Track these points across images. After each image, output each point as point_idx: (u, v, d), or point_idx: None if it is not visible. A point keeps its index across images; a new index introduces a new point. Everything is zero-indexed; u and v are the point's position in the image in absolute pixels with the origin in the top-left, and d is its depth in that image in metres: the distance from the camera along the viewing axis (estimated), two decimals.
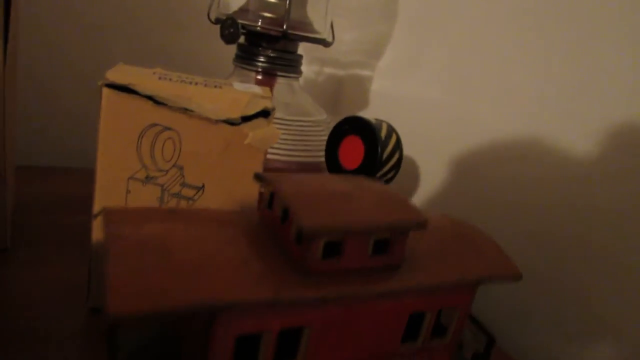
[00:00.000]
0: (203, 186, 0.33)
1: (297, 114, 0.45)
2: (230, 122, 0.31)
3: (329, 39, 0.45)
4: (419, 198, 0.55)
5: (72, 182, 0.51)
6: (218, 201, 0.33)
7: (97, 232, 0.32)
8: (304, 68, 0.46)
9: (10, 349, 0.28)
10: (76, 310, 0.33)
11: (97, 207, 0.32)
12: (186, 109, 0.31)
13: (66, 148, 0.55)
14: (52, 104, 0.54)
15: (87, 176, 0.39)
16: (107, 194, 0.31)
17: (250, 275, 0.20)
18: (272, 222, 0.23)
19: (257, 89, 0.35)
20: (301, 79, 0.46)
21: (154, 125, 0.31)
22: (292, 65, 0.43)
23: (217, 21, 0.40)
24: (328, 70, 0.64)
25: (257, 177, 0.24)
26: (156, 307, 0.17)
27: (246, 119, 0.32)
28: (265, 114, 0.32)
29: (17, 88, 0.43)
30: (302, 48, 0.43)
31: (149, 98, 0.30)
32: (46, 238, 0.41)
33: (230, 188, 0.33)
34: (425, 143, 0.53)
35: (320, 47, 0.44)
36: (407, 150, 0.52)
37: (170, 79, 0.32)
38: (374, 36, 0.61)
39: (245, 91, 0.33)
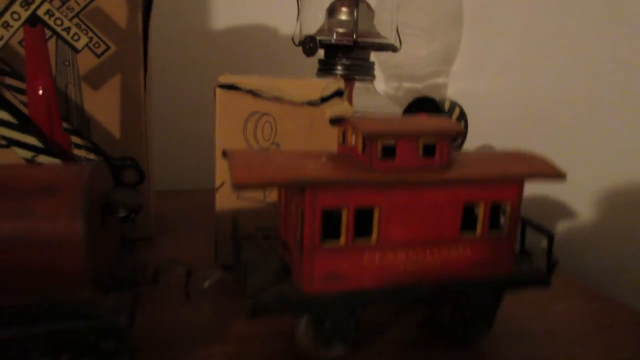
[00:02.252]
0: None
1: (376, 109, 0.52)
2: (312, 103, 0.40)
3: (397, 45, 0.53)
4: None
5: (198, 196, 0.61)
6: None
7: (220, 202, 0.41)
8: (383, 86, 0.53)
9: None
10: (211, 266, 0.41)
11: (217, 181, 0.41)
12: (277, 97, 0.39)
13: (184, 171, 0.67)
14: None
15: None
16: (223, 170, 0.40)
17: (330, 168, 0.27)
18: (346, 151, 0.30)
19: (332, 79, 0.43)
20: (382, 95, 0.54)
21: (255, 112, 0.40)
22: (365, 70, 0.51)
23: (300, 43, 0.50)
24: (406, 84, 0.71)
25: (333, 120, 0.31)
26: (262, 180, 0.25)
27: (324, 99, 0.40)
28: (339, 94, 0.40)
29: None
30: (381, 68, 0.50)
31: (249, 92, 0.39)
32: (180, 230, 0.51)
33: None
34: (498, 129, 0.58)
35: (397, 64, 0.51)
36: (483, 138, 0.57)
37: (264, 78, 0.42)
38: (445, 46, 0.69)
39: (322, 79, 0.41)
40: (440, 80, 0.68)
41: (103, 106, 0.46)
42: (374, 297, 0.28)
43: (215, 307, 0.36)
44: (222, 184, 0.41)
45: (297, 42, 0.52)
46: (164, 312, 0.35)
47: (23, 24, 0.37)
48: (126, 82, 0.46)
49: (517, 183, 0.29)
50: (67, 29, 0.39)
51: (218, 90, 0.39)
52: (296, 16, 0.54)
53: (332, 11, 0.51)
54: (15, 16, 0.37)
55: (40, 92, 0.38)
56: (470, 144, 0.61)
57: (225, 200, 0.41)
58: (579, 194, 0.50)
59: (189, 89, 0.67)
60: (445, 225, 0.28)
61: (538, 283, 0.31)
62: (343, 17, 0.51)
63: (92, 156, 0.46)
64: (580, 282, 0.43)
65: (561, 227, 0.51)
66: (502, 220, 0.30)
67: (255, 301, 0.26)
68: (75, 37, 0.40)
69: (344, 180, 0.26)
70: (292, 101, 0.40)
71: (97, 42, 0.44)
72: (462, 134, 0.28)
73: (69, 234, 0.23)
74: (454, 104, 0.44)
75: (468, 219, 0.29)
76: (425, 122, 0.28)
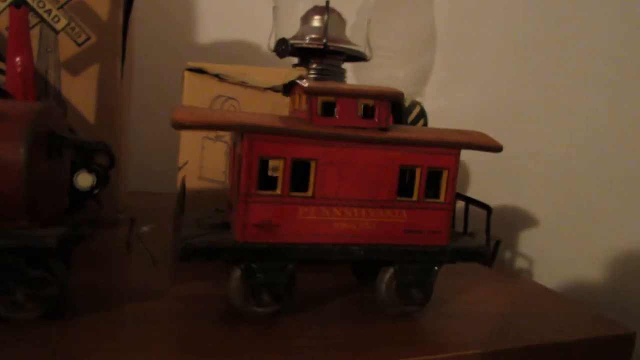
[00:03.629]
0: None
1: None
2: (275, 90, 0.41)
3: (367, 54, 0.55)
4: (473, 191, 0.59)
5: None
6: None
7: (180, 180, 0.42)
8: None
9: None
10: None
11: (181, 161, 0.42)
12: (242, 82, 0.41)
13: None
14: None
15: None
16: (187, 150, 0.42)
17: (272, 119, 0.28)
18: (294, 114, 0.31)
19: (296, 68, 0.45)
20: None
21: (220, 96, 0.42)
22: (337, 75, 0.53)
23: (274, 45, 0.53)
24: None
25: (287, 87, 0.33)
26: (201, 121, 0.26)
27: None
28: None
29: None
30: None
31: (216, 76, 0.41)
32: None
33: None
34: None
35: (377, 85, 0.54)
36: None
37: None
38: (420, 67, 0.72)
39: (285, 68, 0.43)
40: (417, 99, 0.70)
41: (80, 92, 0.47)
42: (307, 252, 0.28)
43: (167, 272, 0.36)
44: (185, 163, 0.42)
45: (271, 47, 0.54)
46: (113, 267, 0.35)
47: (9, 5, 0.39)
48: (103, 71, 0.48)
49: (454, 151, 0.30)
50: (49, 11, 0.42)
51: (186, 73, 0.41)
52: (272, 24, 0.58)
53: (305, 19, 0.54)
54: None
55: (19, 69, 0.40)
56: None
57: (187, 180, 0.42)
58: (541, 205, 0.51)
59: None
60: (382, 187, 0.29)
61: (477, 258, 0.32)
62: (315, 24, 0.53)
63: None
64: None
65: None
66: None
67: (186, 244, 0.27)
68: (56, 19, 0.42)
69: (281, 129, 0.27)
70: (256, 86, 0.41)
71: (78, 32, 0.46)
72: (402, 98, 0.29)
73: (11, 156, 0.24)
74: (414, 103, 0.46)
75: (406, 185, 0.30)
76: (366, 85, 0.30)
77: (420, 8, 0.71)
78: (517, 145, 0.54)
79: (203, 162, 0.42)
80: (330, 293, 0.35)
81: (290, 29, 0.56)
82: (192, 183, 0.42)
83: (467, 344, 0.29)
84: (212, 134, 0.42)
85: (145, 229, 0.29)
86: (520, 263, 0.52)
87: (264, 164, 0.28)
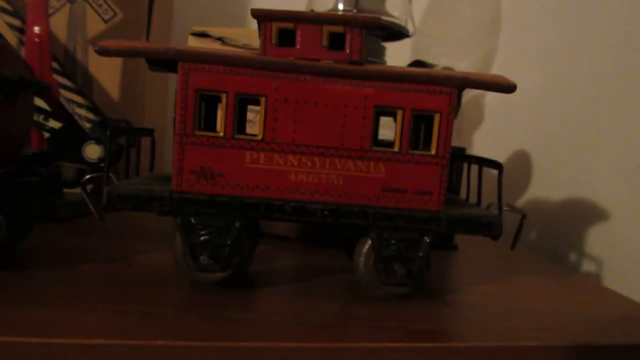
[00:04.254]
0: None
1: None
2: None
3: (409, 29, 0.49)
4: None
5: None
6: None
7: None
8: None
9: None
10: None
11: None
12: (245, 45, 0.38)
13: None
14: None
15: None
16: None
17: (215, 50, 0.24)
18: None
19: None
20: None
21: None
22: (373, 52, 0.48)
23: None
24: None
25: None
26: (125, 46, 0.23)
27: None
28: None
29: None
30: None
31: (219, 39, 0.38)
32: None
33: None
34: (535, 127, 0.50)
35: None
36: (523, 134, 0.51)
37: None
38: (486, 52, 0.63)
39: None
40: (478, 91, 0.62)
41: (106, 70, 0.47)
42: (255, 207, 0.23)
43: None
44: None
45: None
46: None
47: None
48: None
49: (447, 89, 0.24)
50: None
51: (190, 37, 0.39)
52: None
53: None
54: None
55: (37, 39, 0.41)
56: (504, 146, 0.54)
57: None
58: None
59: None
60: (352, 132, 0.24)
61: (481, 229, 0.24)
62: None
63: (91, 115, 0.47)
64: None
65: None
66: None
67: (111, 189, 0.23)
68: None
69: (221, 56, 0.23)
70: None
71: (106, 9, 0.47)
72: (378, 25, 0.24)
73: None
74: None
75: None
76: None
77: None
78: (589, 133, 0.44)
79: None
80: (313, 273, 0.29)
81: (327, 4, 0.52)
82: None
83: (453, 335, 0.22)
84: None
85: (88, 176, 0.26)
86: (588, 266, 0.42)
87: (203, 100, 0.23)
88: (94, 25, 0.47)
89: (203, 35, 0.39)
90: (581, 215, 0.43)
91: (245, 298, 0.24)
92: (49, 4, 0.45)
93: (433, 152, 0.24)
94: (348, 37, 0.24)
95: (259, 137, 0.23)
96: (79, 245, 0.31)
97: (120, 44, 0.23)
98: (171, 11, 0.54)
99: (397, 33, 0.50)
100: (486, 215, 0.24)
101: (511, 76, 0.24)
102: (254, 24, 0.25)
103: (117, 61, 0.47)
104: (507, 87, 0.24)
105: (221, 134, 0.23)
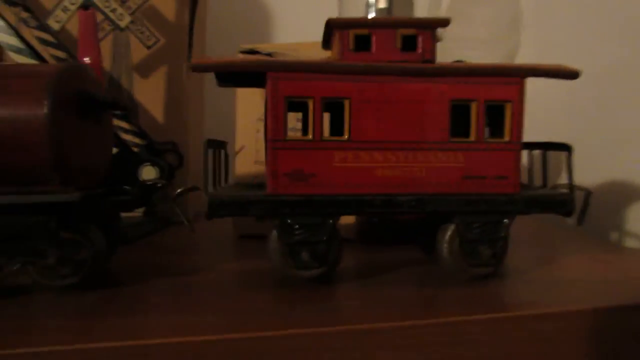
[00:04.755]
0: None
1: None
2: None
3: (439, 36, 0.51)
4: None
5: None
6: None
7: (239, 167, 0.41)
8: None
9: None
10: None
11: (237, 145, 0.41)
12: (295, 58, 0.40)
13: None
14: None
15: None
16: (243, 133, 0.41)
17: (298, 59, 0.26)
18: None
19: None
20: None
21: None
22: None
23: None
24: None
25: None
26: (219, 61, 0.25)
27: None
28: None
29: None
30: None
31: (268, 55, 0.40)
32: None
33: None
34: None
35: None
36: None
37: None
38: (506, 53, 0.65)
39: None
40: None
41: (149, 94, 0.49)
42: (348, 204, 0.25)
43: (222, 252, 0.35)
44: (241, 148, 0.41)
45: None
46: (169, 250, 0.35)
47: (78, 8, 0.42)
48: (171, 72, 0.49)
49: (516, 79, 0.25)
50: (114, 10, 0.44)
51: (239, 56, 0.41)
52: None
53: (369, 3, 0.52)
54: (73, 1, 0.43)
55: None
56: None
57: (244, 165, 0.41)
58: None
59: None
60: (431, 126, 0.25)
61: (558, 208, 0.26)
62: (381, 5, 0.51)
63: (138, 140, 0.49)
64: None
65: None
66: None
67: (213, 197, 0.25)
68: (120, 17, 0.44)
69: (306, 64, 0.25)
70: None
71: (148, 36, 0.49)
72: (447, 25, 0.26)
73: (34, 109, 0.24)
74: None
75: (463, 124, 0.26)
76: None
77: None
78: (620, 117, 0.46)
79: (258, 145, 0.41)
80: (392, 265, 0.31)
81: (355, 14, 0.54)
82: (248, 167, 0.41)
83: (543, 304, 0.23)
84: None
85: (179, 190, 0.27)
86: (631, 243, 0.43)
87: (292, 107, 0.25)
88: (137, 51, 0.49)
89: (252, 52, 0.41)
90: (623, 195, 0.45)
91: (337, 290, 0.26)
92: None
93: (507, 138, 0.26)
94: (420, 38, 0.26)
95: (346, 137, 0.25)
96: (155, 261, 0.33)
97: (214, 60, 0.24)
98: (205, 32, 0.57)
99: None
100: (559, 194, 0.26)
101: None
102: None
103: (160, 85, 0.49)
104: (571, 74, 0.25)
105: (310, 137, 0.25)
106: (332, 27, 0.26)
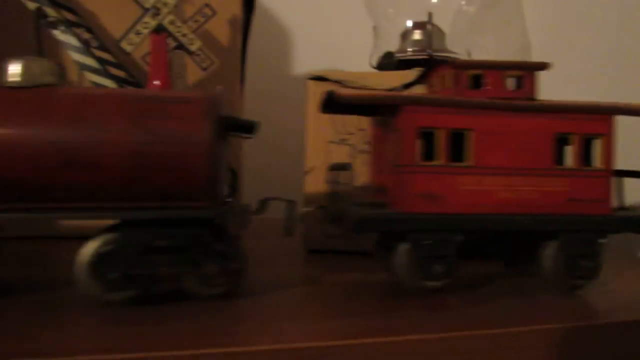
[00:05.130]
0: None
1: None
2: (396, 90, 0.43)
3: None
4: None
5: None
6: None
7: (308, 186, 0.43)
8: None
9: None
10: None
11: (307, 166, 0.43)
12: (364, 86, 0.43)
13: None
14: None
15: None
16: (313, 155, 0.43)
17: (426, 94, 0.29)
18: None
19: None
20: None
21: None
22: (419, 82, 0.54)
23: (378, 63, 0.55)
24: None
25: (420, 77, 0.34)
26: (363, 95, 0.27)
27: (407, 86, 0.43)
28: (420, 80, 0.43)
29: None
30: None
31: (338, 82, 0.43)
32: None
33: None
34: None
35: None
36: None
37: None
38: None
39: (404, 71, 0.45)
40: None
41: None
42: (474, 222, 0.28)
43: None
44: (311, 168, 0.44)
45: (374, 64, 0.56)
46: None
47: (151, 32, 0.44)
48: (226, 94, 0.51)
49: (608, 116, 0.30)
50: (185, 35, 0.46)
51: (309, 82, 0.44)
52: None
53: (405, 34, 0.56)
54: (146, 25, 0.45)
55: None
56: None
57: (314, 184, 0.44)
58: None
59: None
60: (539, 155, 0.29)
61: None
62: (416, 37, 0.55)
63: None
64: None
65: None
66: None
67: (360, 215, 0.27)
68: (191, 42, 0.46)
69: (442, 99, 0.28)
70: (377, 89, 0.43)
71: (203, 58, 0.50)
72: (546, 69, 0.29)
73: (199, 132, 0.26)
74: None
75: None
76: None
77: (512, 22, 0.72)
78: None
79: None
80: (488, 277, 0.34)
81: (389, 46, 0.58)
82: (318, 187, 0.43)
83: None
84: (337, 137, 0.43)
85: (306, 209, 0.30)
86: None
87: (423, 136, 0.28)
88: (193, 73, 0.50)
89: (321, 79, 0.43)
90: None
91: (459, 299, 0.29)
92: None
93: (602, 166, 0.30)
94: (525, 79, 0.29)
95: (470, 164, 0.28)
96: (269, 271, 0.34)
97: (358, 95, 0.27)
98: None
99: None
100: None
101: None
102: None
103: None
104: None
105: (439, 163, 0.28)
106: (453, 67, 0.29)
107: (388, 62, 0.53)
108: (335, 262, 0.39)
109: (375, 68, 0.57)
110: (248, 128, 0.29)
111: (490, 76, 0.29)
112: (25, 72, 0.27)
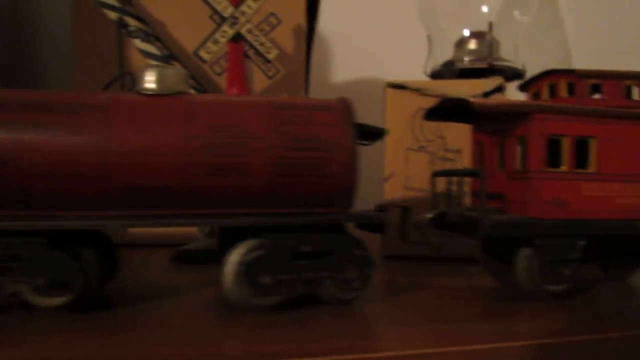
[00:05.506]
0: (460, 149, 0.44)
1: None
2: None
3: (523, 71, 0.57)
4: None
5: None
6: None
7: (388, 193, 0.44)
8: None
9: None
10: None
11: (386, 172, 0.44)
12: (442, 94, 0.44)
13: None
14: None
15: None
16: (392, 162, 0.44)
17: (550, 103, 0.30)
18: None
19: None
20: None
21: (421, 108, 0.44)
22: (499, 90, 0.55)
23: (432, 72, 0.56)
24: None
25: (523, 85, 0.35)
26: (498, 103, 0.28)
27: (486, 94, 0.44)
28: (500, 89, 0.44)
29: None
30: None
31: (416, 90, 0.44)
32: None
33: None
34: None
35: None
36: None
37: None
38: None
39: (483, 79, 0.45)
40: None
41: None
42: (598, 228, 0.29)
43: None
44: (391, 175, 0.44)
45: (427, 73, 0.57)
46: None
47: (229, 41, 0.44)
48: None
49: None
50: (262, 43, 0.46)
51: (388, 90, 0.44)
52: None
53: (460, 44, 0.57)
54: (223, 34, 0.45)
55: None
56: None
57: (394, 190, 0.44)
58: None
59: None
60: None
61: None
62: (472, 46, 0.56)
63: None
64: None
65: None
66: None
67: (494, 220, 0.28)
68: (268, 50, 0.46)
69: (571, 108, 0.29)
70: (453, 97, 0.44)
71: (269, 67, 0.51)
72: None
73: (342, 138, 0.26)
74: None
75: None
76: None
77: (551, 32, 0.74)
78: None
79: (408, 172, 0.44)
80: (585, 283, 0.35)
81: (441, 56, 0.59)
82: (397, 193, 0.44)
83: None
84: (416, 144, 0.44)
85: (428, 215, 0.30)
86: None
87: (550, 143, 0.29)
88: (260, 81, 0.51)
89: (401, 87, 0.44)
90: None
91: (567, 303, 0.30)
92: (220, 63, 0.48)
93: None
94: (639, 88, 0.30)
95: (593, 170, 0.29)
96: None
97: (495, 103, 0.28)
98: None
99: (514, 74, 0.57)
100: None
101: None
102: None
103: None
104: None
105: (565, 169, 0.29)
106: (574, 77, 0.30)
107: (448, 71, 0.54)
108: (415, 267, 0.39)
109: (430, 77, 0.58)
110: (378, 134, 0.29)
111: (608, 85, 0.30)
112: (160, 79, 0.27)
